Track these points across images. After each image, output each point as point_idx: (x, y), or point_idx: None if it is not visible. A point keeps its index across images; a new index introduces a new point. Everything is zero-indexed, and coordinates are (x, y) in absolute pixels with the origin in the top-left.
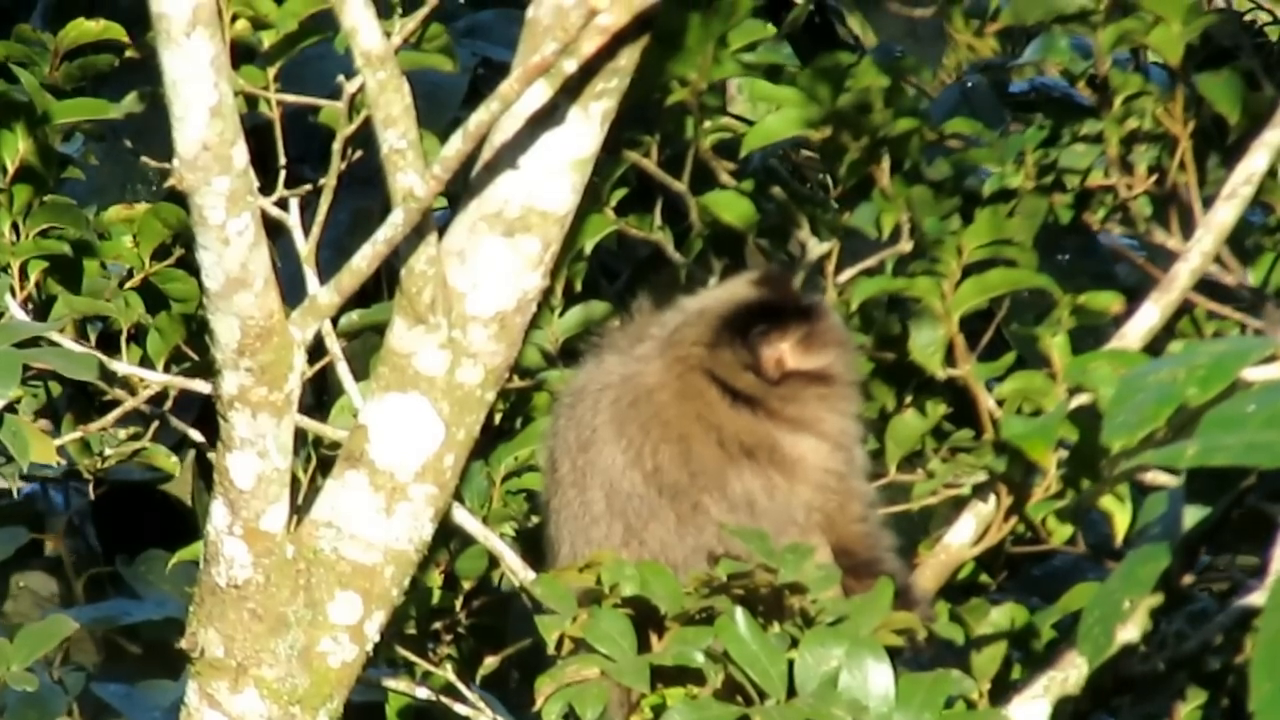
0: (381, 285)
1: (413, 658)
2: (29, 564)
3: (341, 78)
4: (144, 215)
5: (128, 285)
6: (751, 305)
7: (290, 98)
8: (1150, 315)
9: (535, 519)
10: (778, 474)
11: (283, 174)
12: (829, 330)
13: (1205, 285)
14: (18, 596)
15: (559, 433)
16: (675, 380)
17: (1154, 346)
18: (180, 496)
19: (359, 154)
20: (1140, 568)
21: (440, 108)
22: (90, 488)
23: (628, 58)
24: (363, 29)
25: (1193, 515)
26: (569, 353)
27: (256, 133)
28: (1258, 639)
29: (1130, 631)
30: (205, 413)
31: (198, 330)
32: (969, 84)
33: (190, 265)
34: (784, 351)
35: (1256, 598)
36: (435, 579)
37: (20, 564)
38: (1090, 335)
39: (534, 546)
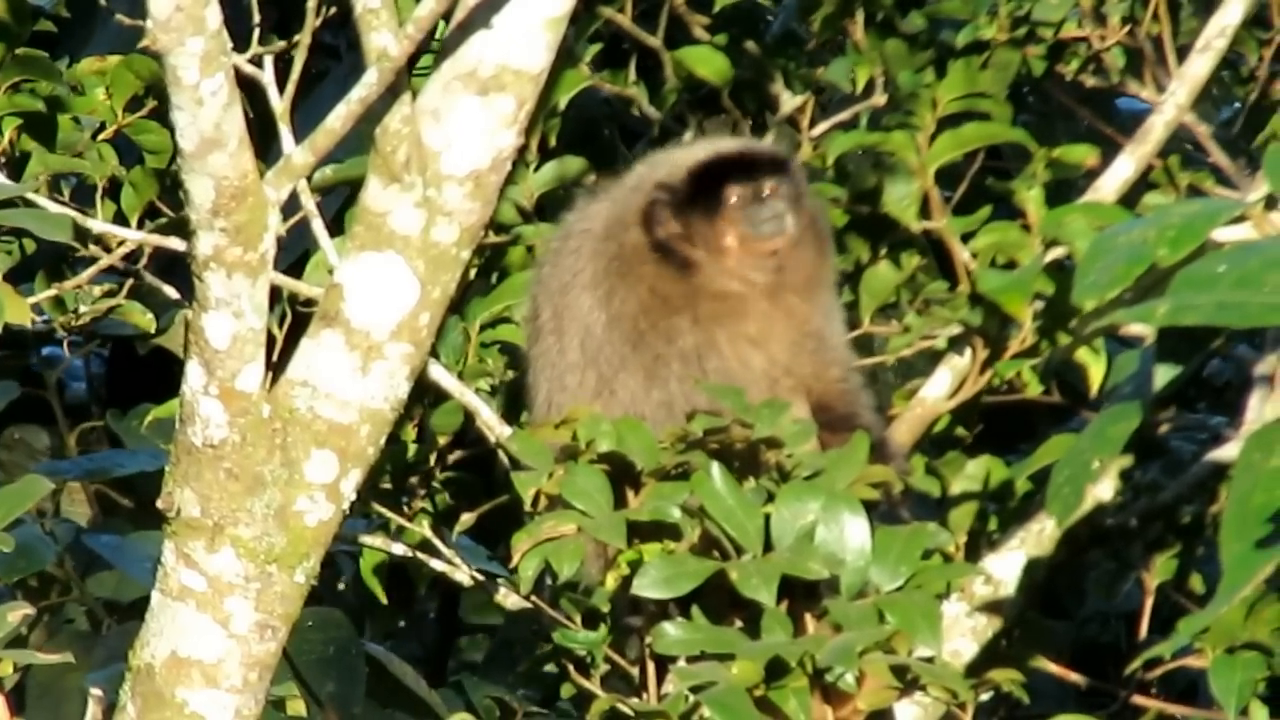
0: None
1: (388, 513)
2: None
3: None
4: (116, 67)
5: (101, 137)
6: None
7: None
8: (1125, 168)
9: (511, 374)
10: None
11: (257, 32)
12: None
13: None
14: (13, 447)
15: (543, 279)
16: (618, 249)
17: (1129, 198)
18: (174, 350)
19: (333, 10)
20: (1110, 427)
21: None
22: (65, 345)
23: None
24: None
25: (1163, 374)
26: (544, 208)
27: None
28: (1228, 499)
29: (1104, 487)
30: None
31: (172, 185)
32: None
33: (164, 118)
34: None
35: (1231, 449)
36: (410, 434)
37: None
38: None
39: (511, 400)
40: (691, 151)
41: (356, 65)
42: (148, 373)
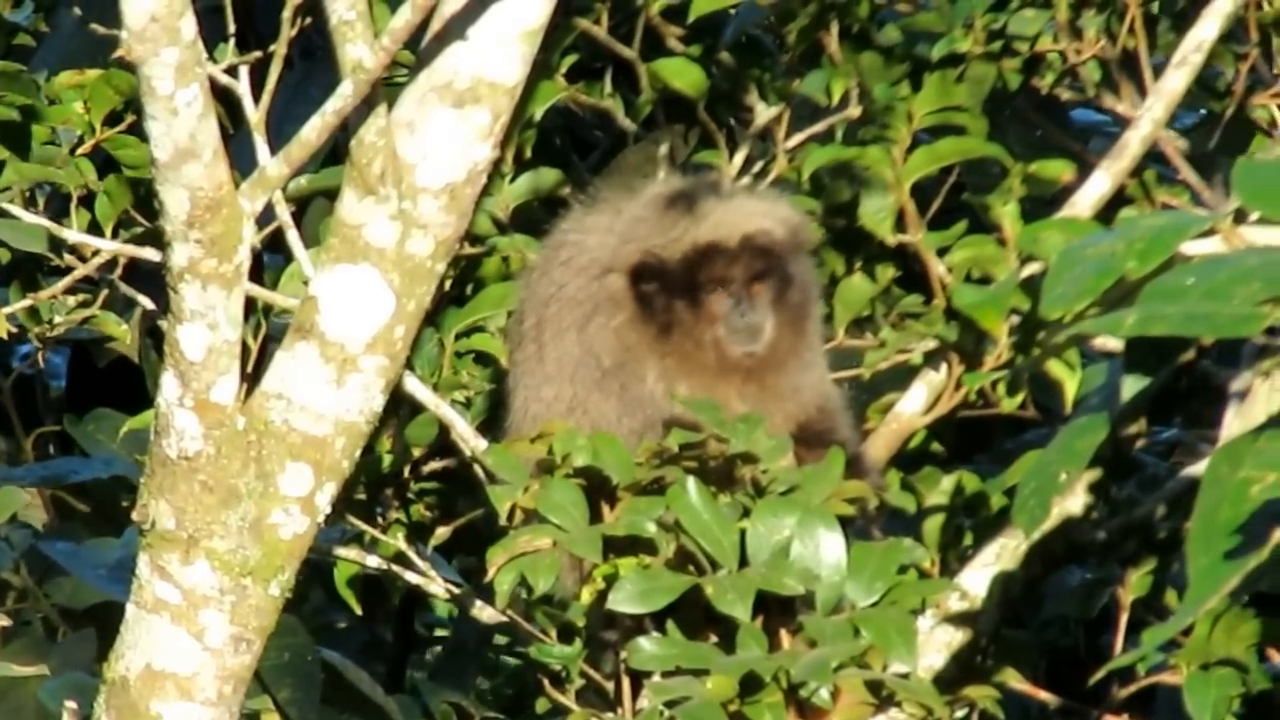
0: None
1: (362, 526)
2: None
3: None
4: (95, 81)
5: (79, 151)
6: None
7: None
8: (1101, 183)
9: (488, 386)
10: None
11: (232, 42)
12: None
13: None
14: None
15: (531, 285)
16: (599, 289)
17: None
18: (129, 356)
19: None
20: (1077, 440)
21: None
22: (40, 355)
23: None
24: None
25: (1131, 386)
26: (519, 219)
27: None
28: (1194, 514)
29: (1076, 500)
30: None
31: (146, 195)
32: None
33: (143, 132)
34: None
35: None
36: (385, 446)
37: None
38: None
39: (486, 411)
40: (695, 204)
41: (309, 74)
42: (105, 378)
